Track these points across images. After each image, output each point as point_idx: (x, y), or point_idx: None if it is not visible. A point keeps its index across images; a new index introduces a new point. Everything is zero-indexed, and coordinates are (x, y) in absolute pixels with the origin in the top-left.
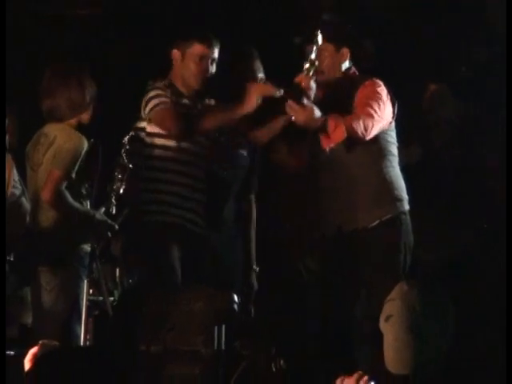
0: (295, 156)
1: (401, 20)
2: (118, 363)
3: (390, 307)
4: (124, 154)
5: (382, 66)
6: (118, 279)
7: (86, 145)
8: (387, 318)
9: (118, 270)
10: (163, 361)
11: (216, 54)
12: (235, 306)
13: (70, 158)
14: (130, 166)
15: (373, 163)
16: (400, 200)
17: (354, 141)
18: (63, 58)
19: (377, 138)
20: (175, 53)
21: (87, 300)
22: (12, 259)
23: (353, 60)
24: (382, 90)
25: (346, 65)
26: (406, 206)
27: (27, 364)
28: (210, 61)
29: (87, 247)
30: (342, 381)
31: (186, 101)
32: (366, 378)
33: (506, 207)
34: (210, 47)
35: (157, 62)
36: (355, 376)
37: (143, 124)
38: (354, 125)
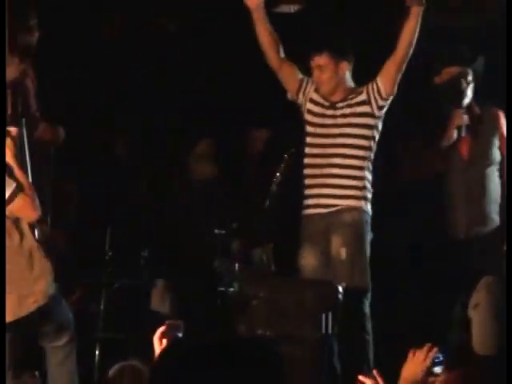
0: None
1: None
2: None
3: (477, 297)
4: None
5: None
6: (236, 272)
7: None
8: (475, 306)
9: (236, 264)
10: (277, 343)
11: (319, 61)
12: (340, 296)
13: None
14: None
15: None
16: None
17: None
18: None
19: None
20: None
21: None
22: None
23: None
24: None
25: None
26: None
27: (157, 342)
28: (319, 68)
29: None
30: (414, 353)
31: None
32: (435, 349)
33: (506, 208)
34: (314, 57)
35: None
36: (425, 348)
37: None
38: None
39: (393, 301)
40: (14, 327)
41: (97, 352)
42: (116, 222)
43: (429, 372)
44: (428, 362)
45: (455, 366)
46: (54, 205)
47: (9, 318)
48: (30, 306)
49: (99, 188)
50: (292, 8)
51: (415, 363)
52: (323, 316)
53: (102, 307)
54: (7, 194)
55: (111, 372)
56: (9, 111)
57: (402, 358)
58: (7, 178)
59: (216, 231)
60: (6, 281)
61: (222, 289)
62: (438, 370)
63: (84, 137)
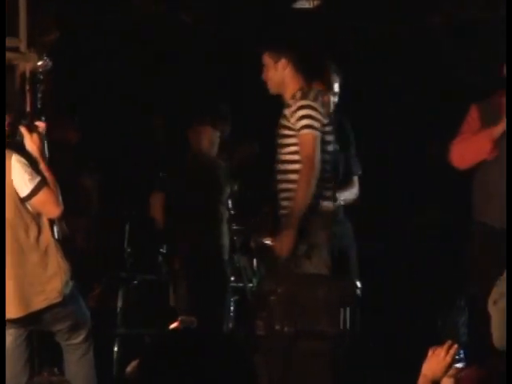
0: None
1: None
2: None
3: (496, 292)
4: None
5: None
6: (255, 268)
7: None
8: (495, 302)
9: (255, 260)
10: (295, 339)
11: (263, 60)
12: (358, 291)
13: None
14: None
15: None
16: None
17: None
18: None
19: None
20: None
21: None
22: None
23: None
24: None
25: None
26: None
27: None
28: (265, 67)
29: None
30: (434, 350)
31: None
32: (455, 346)
33: (507, 207)
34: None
35: None
36: (445, 346)
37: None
38: None
39: (411, 296)
40: (23, 323)
41: (115, 348)
42: (134, 218)
43: (449, 369)
44: (449, 359)
45: (476, 362)
46: (72, 202)
47: (18, 313)
48: (41, 302)
49: (118, 185)
50: (312, 3)
51: (436, 361)
52: (341, 311)
53: (120, 303)
54: (31, 188)
55: (129, 368)
56: (27, 108)
57: (421, 356)
58: (32, 172)
59: (234, 227)
60: (17, 275)
61: (241, 284)
62: (458, 366)
63: (102, 133)
